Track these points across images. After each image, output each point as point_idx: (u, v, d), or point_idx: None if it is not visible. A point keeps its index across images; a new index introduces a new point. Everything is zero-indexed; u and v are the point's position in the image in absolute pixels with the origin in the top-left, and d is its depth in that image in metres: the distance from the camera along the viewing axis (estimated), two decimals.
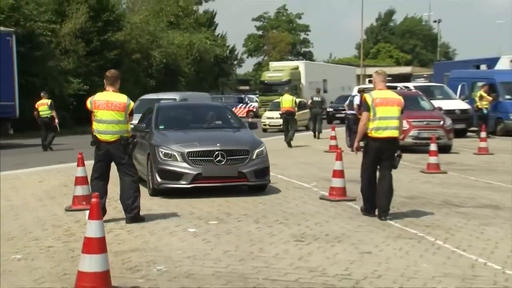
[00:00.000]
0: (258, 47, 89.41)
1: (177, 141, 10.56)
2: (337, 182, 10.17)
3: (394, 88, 22.31)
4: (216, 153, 10.22)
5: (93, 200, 5.42)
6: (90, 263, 5.26)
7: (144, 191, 10.72)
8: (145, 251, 6.93)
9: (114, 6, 42.20)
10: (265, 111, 34.36)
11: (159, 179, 10.27)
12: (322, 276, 5.96)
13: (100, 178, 8.48)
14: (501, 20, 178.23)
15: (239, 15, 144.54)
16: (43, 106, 21.58)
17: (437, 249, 6.99)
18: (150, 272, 6.10)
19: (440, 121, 18.47)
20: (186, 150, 10.25)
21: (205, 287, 5.64)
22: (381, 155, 8.61)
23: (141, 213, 8.68)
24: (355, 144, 9.10)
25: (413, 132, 17.93)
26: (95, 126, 8.41)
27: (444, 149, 17.32)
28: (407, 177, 12.78)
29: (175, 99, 21.59)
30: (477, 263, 6.42)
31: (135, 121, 13.01)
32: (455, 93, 26.66)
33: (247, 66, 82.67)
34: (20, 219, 8.93)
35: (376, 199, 8.62)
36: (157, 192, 10.42)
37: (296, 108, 22.48)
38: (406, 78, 46.08)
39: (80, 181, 9.42)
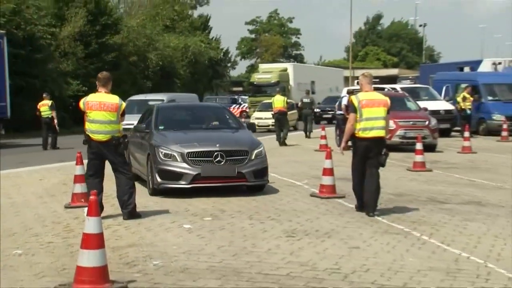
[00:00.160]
0: (251, 50, 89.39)
1: (176, 141, 10.36)
2: (327, 180, 10.18)
3: (382, 89, 22.43)
4: (216, 153, 10.02)
5: (91, 197, 5.42)
6: (89, 258, 5.25)
7: (144, 190, 10.74)
8: (141, 246, 6.91)
9: (111, 10, 42.18)
10: (254, 111, 34.28)
11: (159, 179, 10.07)
12: (313, 270, 5.96)
13: (95, 175, 8.45)
14: (484, 24, 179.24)
15: (232, 19, 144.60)
16: (44, 106, 21.57)
17: (422, 244, 7.01)
18: (147, 267, 6.09)
19: (425, 121, 18.51)
20: (186, 150, 10.05)
21: (200, 281, 5.63)
22: (368, 154, 8.63)
23: (138, 210, 8.66)
24: (342, 144, 9.11)
25: (400, 132, 17.98)
26: (88, 126, 8.39)
27: (430, 148, 17.36)
28: (394, 175, 12.81)
29: (162, 100, 21.47)
30: (461, 257, 6.44)
31: (134, 121, 12.97)
32: (440, 94, 26.73)
33: (240, 68, 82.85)
34: (21, 215, 8.90)
35: (364, 196, 8.64)
36: (157, 192, 10.20)
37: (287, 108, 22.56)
38: (392, 79, 46.24)
39: (79, 179, 9.40)
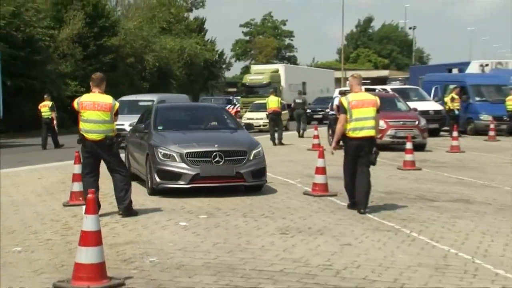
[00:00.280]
0: (245, 52, 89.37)
1: (175, 142, 10.18)
2: (319, 179, 10.19)
3: (373, 90, 22.50)
4: (214, 153, 9.85)
5: (89, 196, 5.41)
6: (87, 255, 5.25)
7: (142, 190, 10.72)
8: (138, 243, 6.90)
9: (109, 12, 42.11)
10: (246, 112, 34.19)
11: (158, 179, 9.90)
12: (305, 266, 5.97)
13: (91, 174, 8.44)
14: (472, 27, 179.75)
15: (227, 22, 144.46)
16: (45, 107, 21.59)
17: (412, 240, 7.03)
18: (144, 264, 6.08)
19: (415, 121, 18.55)
20: (185, 150, 9.88)
21: (195, 278, 5.63)
22: (359, 153, 8.65)
23: (135, 208, 8.65)
24: (333, 144, 9.13)
25: (390, 132, 18.02)
26: (82, 125, 8.38)
27: (419, 147, 17.40)
28: (385, 173, 12.83)
29: (152, 101, 21.35)
30: (449, 253, 6.46)
31: (124, 122, 12.84)
32: (429, 95, 26.79)
33: (235, 69, 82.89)
34: (20, 214, 8.88)
35: (356, 194, 8.66)
36: (155, 191, 10.05)
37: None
38: (383, 81, 46.30)
39: (77, 178, 9.36)
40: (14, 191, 11.11)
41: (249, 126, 11.75)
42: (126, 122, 18.11)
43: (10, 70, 29.99)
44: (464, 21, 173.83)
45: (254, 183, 10.25)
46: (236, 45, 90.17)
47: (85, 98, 8.42)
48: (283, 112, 29.45)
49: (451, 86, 25.90)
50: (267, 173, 12.10)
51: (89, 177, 8.42)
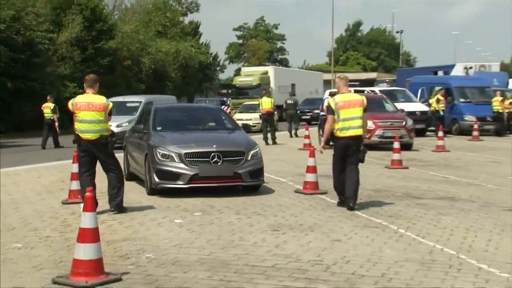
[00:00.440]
0: (239, 55, 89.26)
1: (174, 142, 9.98)
2: (310, 177, 10.19)
3: (362, 91, 22.53)
4: (213, 154, 9.66)
5: (87, 194, 5.39)
6: (85, 252, 5.23)
7: (139, 188, 10.69)
8: (135, 240, 6.88)
9: (107, 16, 41.96)
10: (235, 113, 34.07)
11: (157, 179, 9.71)
12: (297, 262, 5.97)
13: (88, 172, 8.41)
14: (456, 31, 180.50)
15: (221, 26, 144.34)
16: (47, 108, 21.55)
17: (399, 236, 7.04)
18: (140, 260, 6.07)
19: (402, 122, 18.60)
20: (183, 151, 9.68)
21: (190, 273, 5.62)
22: (347, 152, 8.68)
23: (132, 206, 8.64)
24: (322, 144, 9.16)
25: (378, 132, 18.07)
26: (77, 126, 8.36)
27: (406, 147, 17.45)
28: (373, 172, 12.85)
29: (140, 102, 21.22)
30: (435, 249, 6.48)
31: (111, 123, 12.65)
32: (416, 96, 26.87)
33: (229, 71, 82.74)
34: (20, 211, 8.84)
35: (346, 190, 8.67)
36: (154, 191, 9.85)
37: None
38: (371, 83, 46.33)
39: (75, 176, 9.30)
40: (14, 189, 11.06)
41: (246, 127, 11.64)
42: (113, 123, 18.03)
43: (10, 72, 29.91)
44: (449, 26, 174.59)
45: (252, 183, 10.04)
46: (230, 48, 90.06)
47: (79, 99, 8.41)
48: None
49: (437, 88, 26.02)
50: None
51: (86, 175, 8.39)
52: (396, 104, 21.13)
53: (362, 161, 8.80)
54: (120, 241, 6.81)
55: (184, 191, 9.75)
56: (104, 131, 8.37)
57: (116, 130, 15.69)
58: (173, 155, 9.70)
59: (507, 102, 25.59)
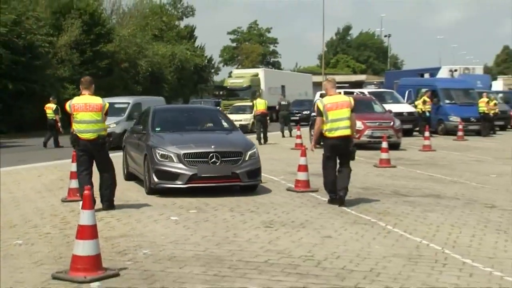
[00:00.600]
0: (233, 57, 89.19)
1: (173, 143, 9.81)
2: (301, 176, 10.20)
3: (351, 93, 22.58)
4: (211, 154, 9.50)
5: (86, 192, 5.38)
6: (84, 248, 5.22)
7: (137, 187, 10.66)
8: (132, 236, 6.87)
9: (105, 21, 41.82)
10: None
11: (156, 179, 9.54)
12: (289, 257, 5.97)
13: (86, 171, 8.39)
14: (441, 35, 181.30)
15: (215, 29, 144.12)
16: (49, 109, 21.48)
17: (387, 233, 7.05)
18: (137, 255, 6.05)
19: (390, 122, 18.63)
20: (182, 151, 9.51)
21: (186, 268, 5.61)
22: (337, 152, 8.71)
23: (130, 204, 8.63)
24: (312, 143, 9.22)
25: (367, 132, 18.11)
26: (75, 126, 8.34)
27: (394, 146, 17.47)
28: (362, 171, 12.87)
29: (128, 103, 21.07)
30: (421, 244, 6.49)
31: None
32: (403, 98, 26.94)
33: (223, 74, 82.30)
34: (21, 209, 8.80)
35: (337, 184, 8.69)
36: (153, 191, 9.69)
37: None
38: (359, 85, 46.42)
39: (74, 175, 9.25)
40: (15, 188, 11.01)
41: (244, 128, 11.54)
42: None
43: (11, 74, 29.78)
44: (435, 30, 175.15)
45: (250, 183, 9.89)
46: (224, 51, 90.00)
47: (77, 101, 8.39)
48: None
49: (423, 90, 26.14)
50: None
51: (85, 174, 8.37)
52: (384, 105, 21.18)
53: (353, 158, 8.85)
54: (117, 238, 6.79)
55: (183, 191, 9.61)
56: (101, 130, 8.37)
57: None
58: (172, 155, 9.55)
59: (491, 103, 25.73)
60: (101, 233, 6.13)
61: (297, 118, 34.33)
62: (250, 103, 31.97)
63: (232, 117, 30.60)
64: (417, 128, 23.76)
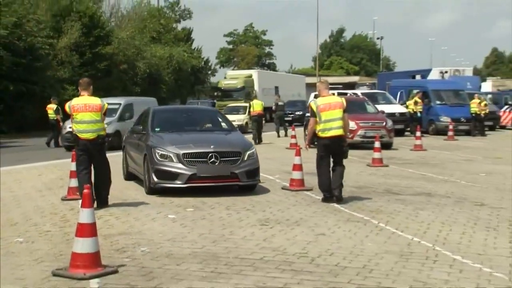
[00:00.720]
0: (229, 59, 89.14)
1: (172, 143, 9.69)
2: (296, 175, 10.20)
3: (345, 94, 22.59)
4: (210, 154, 9.39)
5: (85, 191, 5.36)
6: (83, 245, 5.21)
7: (135, 185, 10.64)
8: (130, 234, 6.86)
9: (104, 23, 41.72)
10: None
11: (155, 179, 9.43)
12: (283, 254, 5.97)
13: (85, 170, 8.38)
14: (432, 38, 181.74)
15: (212, 32, 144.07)
16: (50, 110, 21.47)
17: (380, 230, 7.06)
18: (135, 253, 6.05)
19: (383, 123, 18.66)
20: (182, 151, 9.40)
21: (183, 265, 5.61)
22: (330, 151, 8.74)
23: (128, 202, 8.61)
24: (306, 142, 9.31)
25: (360, 132, 18.13)
26: (75, 127, 8.34)
27: (386, 146, 17.50)
28: (355, 170, 12.88)
29: (120, 104, 20.97)
30: (413, 241, 6.50)
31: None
32: (395, 99, 26.99)
33: (220, 75, 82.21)
34: (22, 207, 8.77)
35: (332, 182, 8.73)
36: (153, 190, 9.58)
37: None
38: (351, 86, 46.40)
39: (74, 174, 9.22)
40: (16, 186, 10.98)
41: (242, 128, 11.50)
42: None
43: (12, 75, 29.68)
44: (426, 33, 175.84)
45: (248, 183, 9.78)
46: (220, 53, 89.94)
47: (76, 102, 8.38)
48: None
49: (415, 91, 26.16)
50: None
51: (84, 173, 8.36)
52: (377, 106, 21.21)
53: (346, 157, 8.92)
54: (116, 235, 6.78)
55: (182, 190, 9.49)
56: (100, 130, 8.37)
57: None
58: (172, 155, 9.45)
59: (482, 104, 25.82)
60: (100, 231, 6.12)
61: (290, 118, 34.34)
62: (244, 104, 31.99)
63: None
64: (409, 128, 23.79)
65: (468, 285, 5.03)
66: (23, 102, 30.52)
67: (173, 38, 55.05)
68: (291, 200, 9.14)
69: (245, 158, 9.69)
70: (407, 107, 24.53)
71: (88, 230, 5.23)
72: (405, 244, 6.38)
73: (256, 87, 42.74)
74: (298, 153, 10.22)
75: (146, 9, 54.36)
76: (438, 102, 26.10)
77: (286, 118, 35.02)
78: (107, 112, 8.66)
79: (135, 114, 20.14)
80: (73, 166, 9.36)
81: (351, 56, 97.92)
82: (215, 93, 43.38)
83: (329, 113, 8.67)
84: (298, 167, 10.17)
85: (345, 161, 8.91)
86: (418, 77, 34.16)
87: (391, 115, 21.66)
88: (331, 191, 8.77)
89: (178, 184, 9.39)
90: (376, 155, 13.99)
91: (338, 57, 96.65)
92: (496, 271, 5.41)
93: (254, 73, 46.18)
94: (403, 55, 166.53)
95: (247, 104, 30.89)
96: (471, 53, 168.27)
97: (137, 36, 45.90)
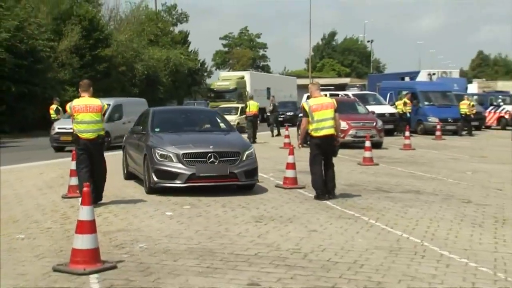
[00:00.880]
0: (224, 61, 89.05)
1: (172, 143, 9.56)
2: (289, 173, 10.21)
3: (336, 95, 22.62)
4: (209, 154, 9.26)
5: (85, 189, 5.36)
6: (83, 242, 5.20)
7: (133, 184, 10.61)
8: (129, 231, 6.84)
9: (103, 26, 41.58)
10: None
11: (155, 179, 9.30)
12: (277, 250, 5.97)
13: (86, 168, 8.36)
14: (421, 41, 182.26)
15: (208, 35, 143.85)
16: (52, 110, 21.54)
17: (370, 227, 7.08)
18: (134, 249, 6.04)
19: (373, 123, 18.70)
20: (181, 151, 9.27)
21: (180, 261, 5.60)
22: (322, 150, 8.78)
23: (127, 199, 8.60)
24: (299, 141, 9.42)
25: (351, 132, 18.16)
26: (76, 127, 8.33)
27: (377, 145, 17.53)
28: (347, 168, 12.90)
29: (109, 105, 20.84)
30: (402, 237, 6.52)
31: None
32: (385, 100, 27.04)
33: (215, 77, 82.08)
34: (23, 205, 8.74)
35: (327, 185, 8.82)
36: (153, 190, 9.44)
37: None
38: (342, 87, 46.41)
39: (74, 173, 9.18)
40: (17, 185, 10.94)
41: (241, 129, 11.47)
42: None
43: (14, 77, 29.55)
44: (414, 36, 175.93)
45: (247, 183, 9.64)
46: (216, 56, 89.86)
47: (77, 102, 8.38)
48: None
49: (404, 92, 26.27)
50: None
51: (84, 172, 8.35)
52: (367, 106, 21.27)
53: (335, 155, 9.04)
54: (115, 232, 6.77)
55: (182, 190, 9.36)
56: (100, 130, 8.40)
57: None
58: (171, 155, 9.33)
59: (470, 105, 25.95)
60: (99, 227, 6.11)
61: (281, 119, 34.34)
62: (236, 105, 31.94)
63: None
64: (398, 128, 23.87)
65: (454, 279, 5.05)
66: (24, 103, 30.39)
67: (170, 41, 54.95)
68: (285, 198, 9.14)
69: (244, 158, 9.56)
70: (396, 107, 24.62)
71: (88, 227, 5.22)
72: (395, 240, 6.40)
73: (248, 88, 42.44)
74: (291, 152, 10.24)
75: (144, 13, 54.23)
76: (426, 103, 26.19)
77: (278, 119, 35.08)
78: None
79: (124, 115, 20.07)
80: (73, 165, 9.33)
81: (343, 58, 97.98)
82: (208, 94, 43.21)
83: (321, 113, 8.72)
84: (291, 166, 10.18)
85: (336, 160, 8.96)
86: (407, 79, 34.25)
87: (381, 116, 21.71)
88: (324, 189, 8.80)
89: (177, 183, 9.28)
90: (367, 154, 14.02)
91: (330, 59, 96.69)
92: (482, 266, 5.44)
93: (246, 74, 45.89)
94: (392, 58, 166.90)
95: (239, 105, 30.89)
96: (457, 56, 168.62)
97: (135, 39, 45.83)
